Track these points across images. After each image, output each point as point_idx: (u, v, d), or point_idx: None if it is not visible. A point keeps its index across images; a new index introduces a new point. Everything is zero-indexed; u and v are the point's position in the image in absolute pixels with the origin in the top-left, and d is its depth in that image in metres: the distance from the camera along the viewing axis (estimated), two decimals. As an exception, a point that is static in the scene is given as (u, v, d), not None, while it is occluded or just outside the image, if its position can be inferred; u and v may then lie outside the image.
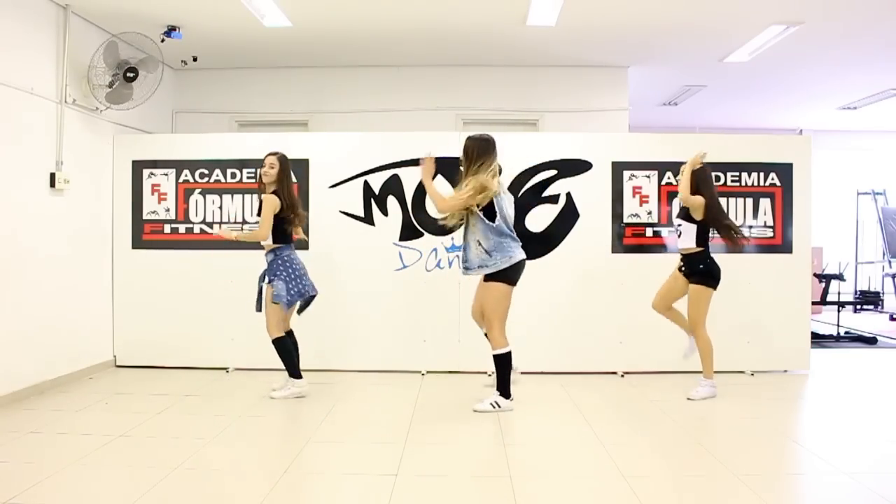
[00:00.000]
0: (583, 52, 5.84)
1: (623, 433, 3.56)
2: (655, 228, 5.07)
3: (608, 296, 5.04)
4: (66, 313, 4.64)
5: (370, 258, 5.07)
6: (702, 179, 4.24)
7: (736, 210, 5.09)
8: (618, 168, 5.08)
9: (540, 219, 5.07)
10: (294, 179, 4.55)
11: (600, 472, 2.95)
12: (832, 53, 5.79)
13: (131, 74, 4.82)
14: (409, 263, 5.08)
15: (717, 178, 5.04)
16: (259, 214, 4.15)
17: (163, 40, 5.05)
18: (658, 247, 5.06)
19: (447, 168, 4.90)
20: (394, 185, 5.09)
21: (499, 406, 3.93)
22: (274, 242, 4.13)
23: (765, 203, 5.10)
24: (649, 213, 5.08)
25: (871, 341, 6.70)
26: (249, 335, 4.85)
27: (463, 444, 3.40)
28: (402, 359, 5.08)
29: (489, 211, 3.83)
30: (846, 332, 7.10)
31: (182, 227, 5.18)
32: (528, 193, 5.07)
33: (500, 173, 3.99)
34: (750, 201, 5.10)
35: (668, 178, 5.05)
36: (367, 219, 5.11)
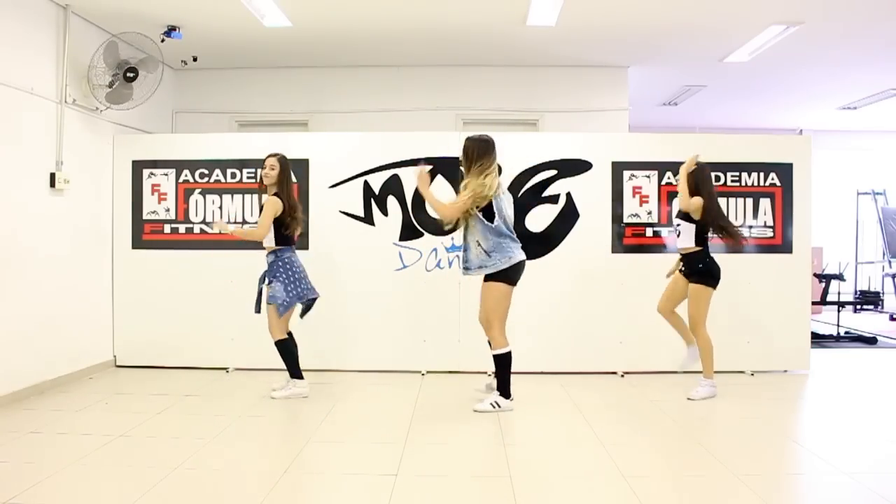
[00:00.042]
0: (583, 52, 5.84)
1: (623, 433, 3.56)
2: (655, 228, 5.07)
3: (608, 296, 5.04)
4: (66, 313, 4.64)
5: (370, 258, 5.07)
6: (700, 179, 4.25)
7: (736, 210, 5.09)
8: (618, 168, 5.08)
9: (540, 219, 5.07)
10: (294, 179, 4.55)
11: (600, 472, 2.95)
12: (832, 53, 5.79)
13: (131, 74, 4.82)
14: (409, 263, 5.08)
15: (717, 178, 5.05)
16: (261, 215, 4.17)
17: (163, 40, 5.05)
18: (658, 247, 5.06)
19: (447, 168, 4.91)
20: (394, 185, 5.09)
21: (499, 406, 3.93)
22: (276, 244, 4.13)
23: (765, 203, 5.10)
24: (649, 213, 5.08)
25: (871, 341, 6.70)
26: (249, 335, 4.86)
27: (463, 444, 3.40)
28: (402, 359, 5.08)
29: (488, 212, 3.84)
30: (846, 332, 7.10)
31: (182, 227, 5.18)
32: (528, 193, 5.07)
33: (499, 173, 4.00)
34: (750, 201, 5.10)
35: (668, 178, 5.05)
36: (367, 219, 5.11)
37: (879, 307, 9.06)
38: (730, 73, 6.42)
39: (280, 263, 4.13)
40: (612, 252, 5.07)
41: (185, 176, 5.18)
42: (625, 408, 4.10)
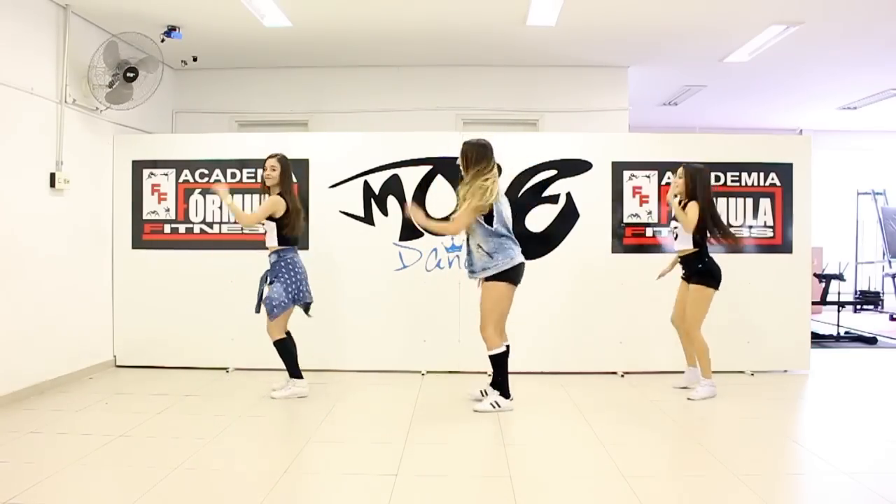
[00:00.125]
0: (583, 52, 5.84)
1: (623, 433, 3.56)
2: (655, 228, 5.07)
3: (608, 296, 5.03)
4: (66, 313, 4.64)
5: (370, 258, 5.07)
6: (699, 183, 4.23)
7: (736, 210, 5.09)
8: (618, 168, 5.08)
9: (540, 219, 5.07)
10: (294, 179, 4.55)
11: (600, 472, 2.95)
12: (832, 53, 5.79)
13: (131, 74, 4.82)
14: (409, 263, 5.08)
15: (717, 178, 5.05)
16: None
17: (163, 40, 5.05)
18: (658, 247, 5.05)
19: (447, 168, 4.91)
20: (394, 185, 5.10)
21: (498, 406, 3.93)
22: (279, 244, 4.14)
23: (765, 203, 5.10)
24: (649, 213, 5.08)
25: (871, 341, 6.70)
26: (249, 335, 4.85)
27: (463, 444, 3.40)
28: (402, 359, 5.08)
29: (488, 215, 3.87)
30: (846, 332, 7.10)
31: (182, 227, 5.18)
32: (528, 193, 5.07)
33: (499, 173, 4.00)
34: (750, 201, 5.10)
35: (668, 177, 5.04)
36: (367, 219, 5.11)
37: (879, 307, 9.06)
38: (730, 73, 6.42)
39: (283, 263, 4.14)
40: (612, 252, 5.07)
41: (185, 176, 5.18)
42: (625, 408, 4.10)
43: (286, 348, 4.18)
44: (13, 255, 4.13)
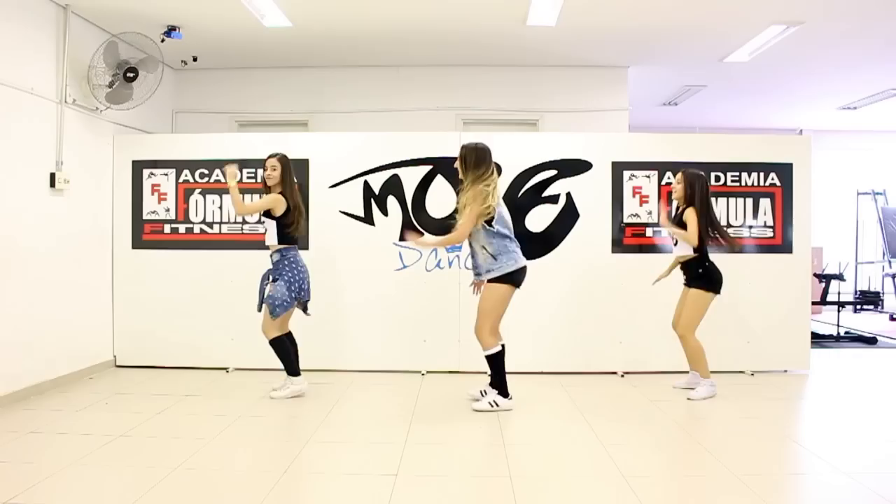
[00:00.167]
0: (583, 52, 5.84)
1: (623, 433, 3.56)
2: (655, 228, 5.07)
3: (608, 296, 5.04)
4: (66, 313, 4.64)
5: (370, 258, 5.07)
6: (697, 189, 4.22)
7: (736, 210, 5.09)
8: (618, 168, 5.08)
9: (540, 219, 5.07)
10: (296, 179, 4.55)
11: (600, 472, 2.95)
12: (832, 53, 5.79)
13: (131, 74, 4.82)
14: (409, 263, 5.08)
15: (717, 179, 5.06)
16: (263, 214, 4.18)
17: (163, 40, 5.05)
18: (658, 247, 5.05)
19: (447, 168, 4.91)
20: (394, 185, 5.10)
21: (497, 405, 3.93)
22: (279, 243, 4.14)
23: (765, 203, 5.10)
24: (649, 213, 5.08)
25: (871, 341, 6.70)
26: (249, 335, 4.84)
27: (463, 444, 3.40)
28: (402, 359, 5.08)
29: (488, 218, 3.88)
30: (846, 332, 7.10)
31: (182, 227, 5.18)
32: (528, 193, 5.07)
33: (499, 173, 4.01)
34: (750, 201, 5.10)
35: (668, 178, 5.04)
36: (367, 219, 5.11)
37: (879, 307, 9.06)
38: (730, 73, 6.42)
39: (286, 262, 4.14)
40: (612, 252, 5.07)
41: (185, 176, 5.18)
42: (625, 408, 4.10)
43: (282, 346, 4.17)
44: (13, 254, 4.13)
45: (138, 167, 5.21)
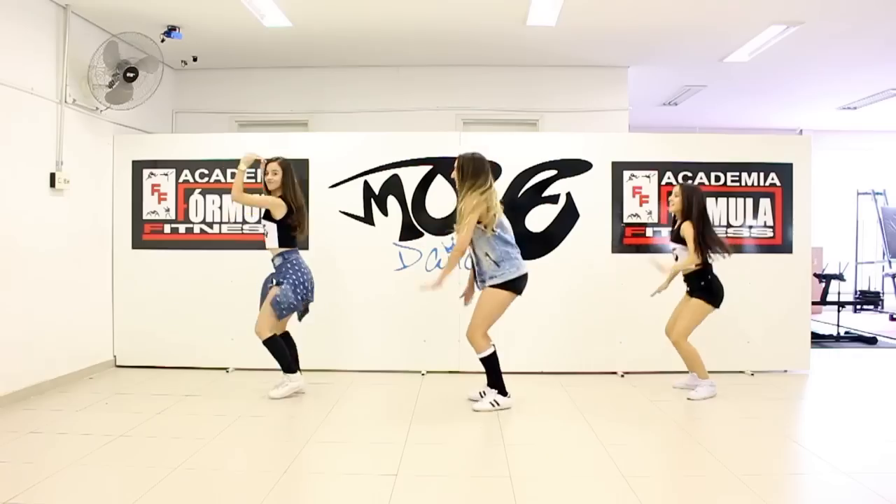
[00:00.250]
0: (583, 52, 5.84)
1: (623, 433, 3.56)
2: (655, 228, 5.07)
3: (608, 296, 5.03)
4: (66, 313, 4.63)
5: (370, 258, 5.07)
6: (694, 202, 4.23)
7: (736, 210, 5.09)
8: (618, 168, 5.08)
9: (540, 219, 5.07)
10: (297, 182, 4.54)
11: (600, 472, 2.95)
12: (832, 53, 5.79)
13: (131, 74, 4.82)
14: (409, 263, 5.08)
15: (717, 179, 5.06)
16: (263, 216, 4.18)
17: (163, 40, 5.05)
18: (658, 247, 5.05)
19: (447, 168, 4.90)
20: (394, 185, 5.10)
21: (497, 404, 3.94)
22: (281, 246, 4.13)
23: (765, 203, 5.10)
24: (649, 213, 5.08)
25: (871, 341, 6.70)
26: (249, 335, 4.80)
27: (463, 444, 3.41)
28: (402, 359, 5.08)
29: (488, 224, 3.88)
30: (846, 332, 7.10)
31: (182, 227, 5.18)
32: (528, 193, 5.07)
33: (498, 174, 4.00)
34: (750, 201, 5.10)
35: (668, 178, 5.04)
36: (367, 219, 5.11)
37: (879, 307, 9.06)
38: (730, 73, 6.42)
39: (289, 265, 4.14)
40: (612, 252, 5.07)
41: (185, 176, 5.18)
42: (625, 408, 4.10)
43: (275, 344, 4.15)
44: (13, 254, 4.13)
45: (138, 167, 5.21)
